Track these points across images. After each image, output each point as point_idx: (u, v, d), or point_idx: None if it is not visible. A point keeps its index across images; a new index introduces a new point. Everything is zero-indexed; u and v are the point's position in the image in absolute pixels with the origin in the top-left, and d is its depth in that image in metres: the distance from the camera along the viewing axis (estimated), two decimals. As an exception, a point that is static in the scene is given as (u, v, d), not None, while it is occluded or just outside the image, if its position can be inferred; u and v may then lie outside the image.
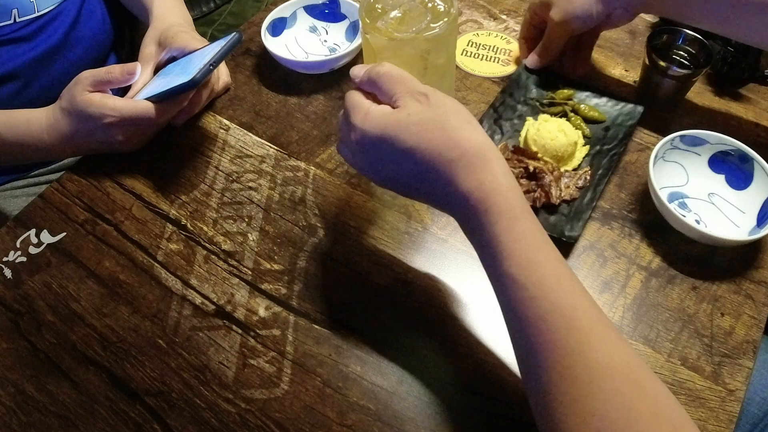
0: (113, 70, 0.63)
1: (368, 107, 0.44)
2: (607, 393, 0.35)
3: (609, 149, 0.65)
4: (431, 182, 0.42)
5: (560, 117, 0.68)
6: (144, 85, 0.66)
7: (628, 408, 0.35)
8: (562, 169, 0.63)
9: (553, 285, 0.39)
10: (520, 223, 0.40)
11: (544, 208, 0.60)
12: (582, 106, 0.69)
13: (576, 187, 0.61)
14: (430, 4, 0.50)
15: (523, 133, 0.67)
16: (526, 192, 0.60)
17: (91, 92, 0.61)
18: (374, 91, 0.46)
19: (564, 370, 0.36)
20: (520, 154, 0.63)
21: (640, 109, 0.68)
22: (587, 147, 0.66)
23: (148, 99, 0.62)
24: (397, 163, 0.43)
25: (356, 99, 0.45)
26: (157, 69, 0.69)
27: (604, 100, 0.70)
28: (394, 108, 0.44)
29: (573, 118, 0.68)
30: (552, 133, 0.63)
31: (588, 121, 0.68)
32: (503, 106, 0.70)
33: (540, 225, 0.41)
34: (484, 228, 0.40)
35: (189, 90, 0.61)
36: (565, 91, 0.71)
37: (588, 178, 0.62)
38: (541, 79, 0.73)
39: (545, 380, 0.37)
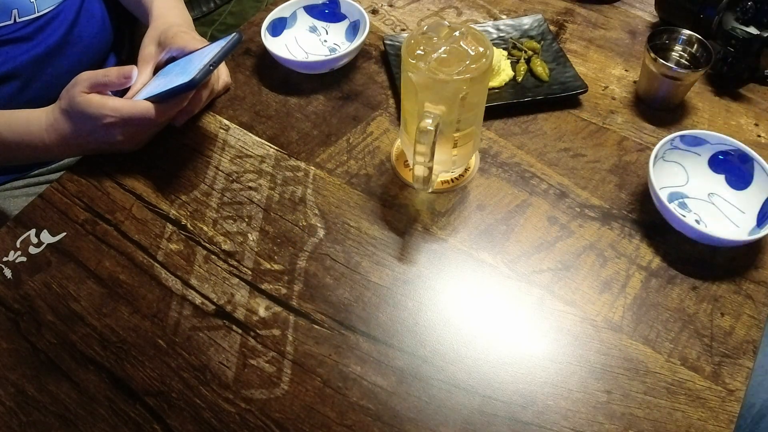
0: (110, 73, 0.63)
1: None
2: None
3: (513, 98, 0.71)
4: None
5: (516, 60, 0.76)
6: (144, 85, 0.66)
7: None
8: None
9: None
10: None
11: None
12: (537, 60, 0.75)
13: None
14: (469, 48, 0.53)
15: None
16: None
17: (89, 93, 0.61)
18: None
19: None
20: None
21: (576, 90, 0.71)
22: (503, 83, 0.73)
23: (147, 99, 0.62)
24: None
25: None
26: (157, 69, 0.69)
27: (567, 70, 0.74)
28: None
29: (520, 64, 0.75)
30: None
31: (533, 74, 0.74)
32: (485, 31, 0.78)
33: None
34: None
35: (189, 90, 0.61)
36: (533, 43, 0.77)
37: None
38: (532, 32, 0.80)
39: None
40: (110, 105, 0.61)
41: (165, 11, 0.74)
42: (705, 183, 0.63)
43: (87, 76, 0.62)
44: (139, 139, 0.66)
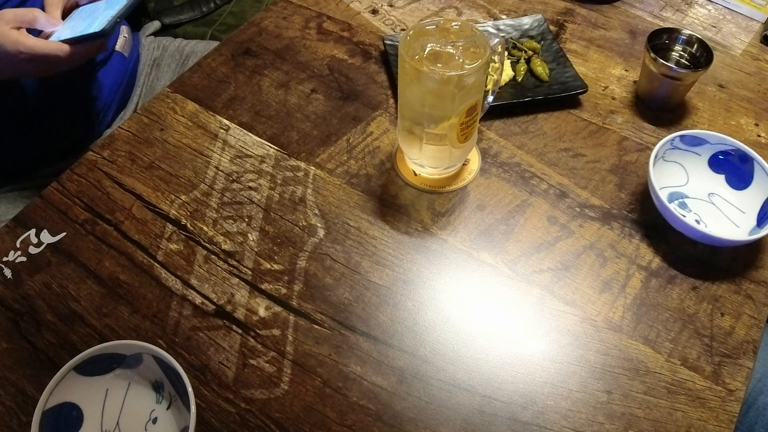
0: (37, 17, 0.65)
1: None
2: None
3: (513, 98, 0.71)
4: None
5: (516, 60, 0.77)
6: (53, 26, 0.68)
7: None
8: None
9: None
10: None
11: None
12: (537, 60, 0.75)
13: None
14: (471, 49, 0.54)
15: None
16: None
17: (10, 29, 0.63)
18: None
19: None
20: None
21: (576, 90, 0.71)
22: (503, 83, 0.74)
23: (62, 41, 0.64)
24: None
25: None
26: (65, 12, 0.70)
27: (567, 70, 0.74)
28: None
29: (520, 64, 0.75)
30: None
31: (533, 74, 0.74)
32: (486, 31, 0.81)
33: None
34: None
35: (99, 39, 0.64)
36: (533, 43, 0.77)
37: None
38: (532, 32, 0.80)
39: None
40: (26, 43, 0.62)
41: None
42: (705, 183, 0.63)
43: (13, 14, 0.63)
44: (50, 73, 0.68)
